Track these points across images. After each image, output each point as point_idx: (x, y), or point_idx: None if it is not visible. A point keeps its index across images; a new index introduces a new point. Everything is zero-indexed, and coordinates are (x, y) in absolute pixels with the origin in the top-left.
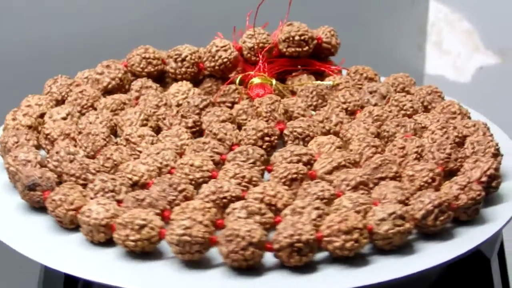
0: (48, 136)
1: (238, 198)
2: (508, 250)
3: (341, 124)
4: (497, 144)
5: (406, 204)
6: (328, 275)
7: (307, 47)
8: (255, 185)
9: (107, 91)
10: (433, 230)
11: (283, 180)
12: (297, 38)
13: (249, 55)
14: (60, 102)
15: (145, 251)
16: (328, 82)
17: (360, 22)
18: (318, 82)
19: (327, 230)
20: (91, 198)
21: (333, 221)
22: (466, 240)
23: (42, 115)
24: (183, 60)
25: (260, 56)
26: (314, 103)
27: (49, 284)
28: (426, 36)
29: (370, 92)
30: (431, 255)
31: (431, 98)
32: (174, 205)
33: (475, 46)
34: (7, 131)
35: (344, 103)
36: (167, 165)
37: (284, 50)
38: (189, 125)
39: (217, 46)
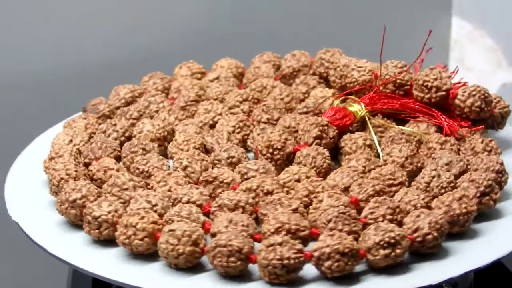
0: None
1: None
2: None
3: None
4: (397, 240)
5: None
6: None
7: (428, 95)
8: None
9: (283, 76)
10: (219, 271)
11: (200, 179)
12: (420, 82)
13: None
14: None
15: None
16: (424, 136)
17: (380, 39)
18: (412, 131)
19: (120, 218)
20: (91, 133)
21: (127, 213)
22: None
23: (203, 73)
24: (335, 69)
25: (375, 87)
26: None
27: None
28: (449, 53)
29: (433, 158)
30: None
31: (466, 185)
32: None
33: (498, 63)
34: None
35: (387, 154)
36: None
37: (413, 91)
38: (263, 120)
39: (355, 65)
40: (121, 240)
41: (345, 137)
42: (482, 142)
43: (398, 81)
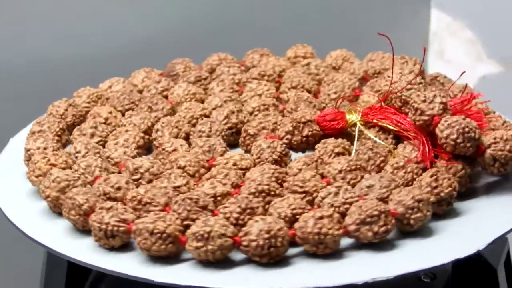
0: None
1: None
2: None
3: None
4: (212, 235)
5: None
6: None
7: (413, 117)
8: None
9: (368, 75)
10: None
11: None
12: (410, 101)
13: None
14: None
15: None
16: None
17: (361, 33)
18: (382, 144)
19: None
20: (144, 86)
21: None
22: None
23: (305, 58)
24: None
25: (380, 100)
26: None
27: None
28: (428, 46)
29: (364, 179)
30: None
31: (353, 210)
32: None
33: (478, 55)
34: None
35: (328, 164)
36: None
37: None
38: (288, 109)
39: (386, 74)
40: (27, 174)
41: (323, 140)
42: (431, 177)
43: (403, 97)
